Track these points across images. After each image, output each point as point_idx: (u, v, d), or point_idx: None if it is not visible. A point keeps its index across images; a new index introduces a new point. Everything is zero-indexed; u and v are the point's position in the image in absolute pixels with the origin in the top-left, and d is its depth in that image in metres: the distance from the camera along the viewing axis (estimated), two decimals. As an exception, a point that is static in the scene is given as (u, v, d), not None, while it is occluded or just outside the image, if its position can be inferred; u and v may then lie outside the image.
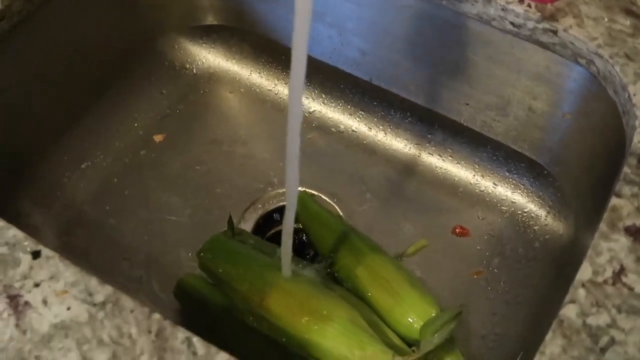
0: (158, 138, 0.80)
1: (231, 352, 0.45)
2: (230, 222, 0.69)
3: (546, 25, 0.61)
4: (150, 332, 0.45)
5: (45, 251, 0.48)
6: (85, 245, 0.72)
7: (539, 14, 0.61)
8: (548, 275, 0.69)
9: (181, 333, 0.45)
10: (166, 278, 0.70)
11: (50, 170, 0.74)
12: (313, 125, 0.82)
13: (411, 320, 0.62)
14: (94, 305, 0.46)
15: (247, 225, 0.74)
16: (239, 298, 0.62)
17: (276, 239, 0.74)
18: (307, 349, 0.58)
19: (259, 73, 0.85)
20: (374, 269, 0.66)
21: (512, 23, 0.63)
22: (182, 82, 0.84)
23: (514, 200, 0.75)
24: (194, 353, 0.45)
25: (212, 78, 0.85)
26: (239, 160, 0.79)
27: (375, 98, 0.80)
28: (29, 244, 0.49)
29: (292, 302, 0.59)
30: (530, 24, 0.62)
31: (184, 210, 0.75)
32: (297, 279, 0.61)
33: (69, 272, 0.47)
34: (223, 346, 0.63)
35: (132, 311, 0.46)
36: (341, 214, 0.75)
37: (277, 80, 0.84)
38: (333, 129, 0.81)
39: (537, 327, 0.65)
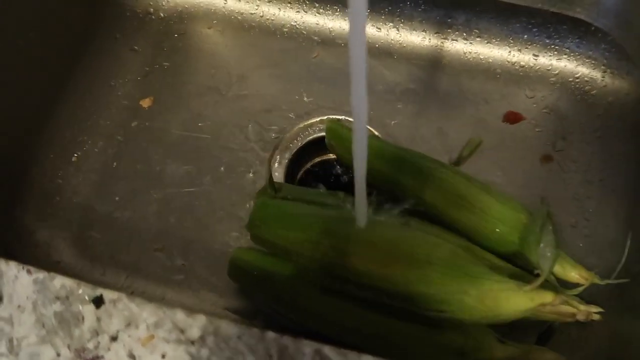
0: (146, 103, 0.69)
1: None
2: (270, 178, 0.60)
3: None
4: (271, 355, 0.37)
5: (108, 294, 0.39)
6: (106, 247, 0.63)
7: None
8: (627, 140, 0.62)
9: (308, 347, 0.37)
10: (211, 259, 0.62)
11: (41, 173, 0.63)
12: (315, 40, 0.71)
13: (503, 232, 0.55)
14: (192, 343, 0.37)
15: (280, 173, 0.65)
16: (311, 264, 0.54)
17: (317, 177, 0.67)
18: (411, 302, 0.51)
19: (235, -4, 0.73)
20: (444, 188, 0.58)
21: None
22: (151, 30, 0.72)
23: (561, 68, 0.67)
24: (332, 366, 0.37)
25: (183, 17, 0.73)
26: (243, 104, 0.69)
27: (376, -8, 0.69)
28: (85, 290, 0.39)
29: (379, 254, 0.51)
30: None
31: (201, 177, 0.65)
32: (375, 226, 0.53)
33: (146, 312, 0.38)
34: (304, 320, 0.57)
35: (239, 337, 0.38)
36: (377, 133, 0.66)
37: (259, 0, 0.72)
38: (338, 41, 0.71)
39: (636, 202, 0.59)
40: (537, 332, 0.57)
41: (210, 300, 0.61)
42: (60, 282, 0.39)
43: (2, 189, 0.60)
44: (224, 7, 0.72)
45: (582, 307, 0.54)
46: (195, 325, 0.38)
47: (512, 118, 0.66)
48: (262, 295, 0.59)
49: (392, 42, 0.70)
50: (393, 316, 0.53)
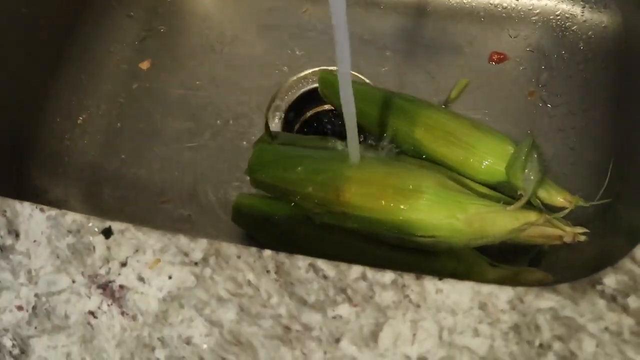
0: (145, 65, 0.71)
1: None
2: (267, 126, 0.63)
3: None
4: (268, 271, 0.40)
5: (116, 225, 0.42)
6: (116, 202, 0.66)
7: None
8: (608, 72, 0.64)
9: (301, 261, 0.41)
10: (216, 207, 0.65)
11: (49, 136, 0.66)
12: (302, -4, 0.74)
13: (491, 164, 0.58)
14: (196, 264, 0.41)
15: (277, 125, 0.68)
16: (309, 202, 0.57)
17: (312, 128, 0.69)
18: (405, 230, 0.54)
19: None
20: (432, 126, 0.60)
21: None
22: (145, -4, 0.74)
23: (542, 7, 0.69)
24: (325, 277, 0.40)
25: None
26: (239, 60, 0.72)
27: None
28: (94, 223, 0.42)
29: (372, 188, 0.54)
30: None
31: (203, 132, 0.68)
32: (367, 162, 0.56)
33: (152, 239, 0.42)
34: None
35: (239, 257, 0.41)
36: (367, 81, 0.69)
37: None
38: (326, -6, 0.73)
39: (617, 129, 0.62)
40: (527, 257, 0.59)
41: (216, 246, 0.64)
42: (71, 217, 0.42)
43: (14, 153, 0.64)
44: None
45: (568, 228, 0.56)
46: (198, 248, 0.41)
47: (497, 58, 0.68)
48: (264, 236, 0.62)
49: (378, -8, 0.73)
50: (387, 246, 0.56)
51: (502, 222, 0.53)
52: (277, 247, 0.61)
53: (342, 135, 0.66)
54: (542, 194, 0.57)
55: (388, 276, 0.40)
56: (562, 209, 0.57)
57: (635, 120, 0.57)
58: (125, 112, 0.70)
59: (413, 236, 0.54)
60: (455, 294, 0.39)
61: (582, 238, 0.57)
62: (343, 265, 0.40)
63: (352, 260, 0.57)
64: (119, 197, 0.66)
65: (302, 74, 0.70)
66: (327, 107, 0.71)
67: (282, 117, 0.69)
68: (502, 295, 0.39)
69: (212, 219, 0.64)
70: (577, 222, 0.57)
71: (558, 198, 0.57)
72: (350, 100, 0.48)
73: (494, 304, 0.39)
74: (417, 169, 0.56)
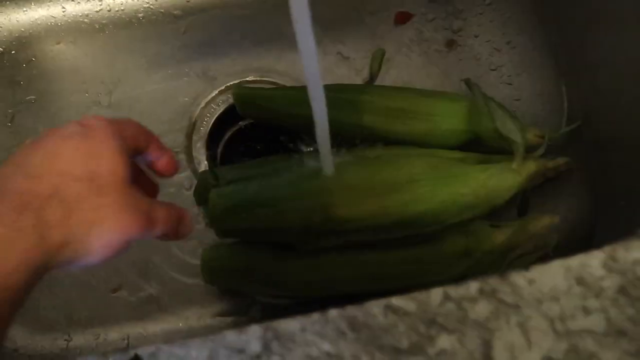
0: (28, 146, 0.61)
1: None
2: (210, 167, 0.55)
3: None
4: (344, 332, 0.34)
5: (141, 350, 0.34)
6: (58, 312, 0.56)
7: None
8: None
9: (374, 307, 0.35)
10: (179, 274, 0.57)
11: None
12: (176, 14, 0.66)
13: (456, 125, 0.55)
14: (258, 357, 0.34)
15: (203, 161, 0.61)
16: (291, 233, 0.51)
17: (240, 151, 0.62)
18: (414, 226, 0.49)
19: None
20: (381, 109, 0.56)
21: None
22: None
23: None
24: (406, 313, 0.35)
25: (23, 43, 0.64)
26: (133, 105, 0.63)
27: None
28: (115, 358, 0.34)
29: (362, 194, 0.49)
30: None
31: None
32: (342, 169, 0.50)
33: (194, 350, 0.34)
34: (300, 291, 0.54)
35: (303, 330, 0.34)
36: (282, 82, 0.63)
37: (100, -6, 0.65)
38: (202, 7, 0.66)
39: (551, 50, 0.60)
40: (515, 207, 0.57)
41: (195, 315, 0.56)
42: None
43: None
44: (64, 15, 0.65)
45: (551, 163, 0.55)
46: (251, 337, 0.34)
47: (402, 18, 0.64)
48: (246, 286, 0.55)
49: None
50: (389, 247, 0.52)
51: (506, 182, 0.50)
52: (265, 292, 0.55)
53: (283, 148, 0.60)
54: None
55: (472, 286, 0.35)
56: (535, 146, 0.55)
57: (574, 30, 0.56)
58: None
59: (422, 229, 0.49)
60: (548, 278, 0.35)
61: (564, 167, 0.56)
62: (419, 294, 0.35)
63: (357, 276, 0.52)
64: (60, 305, 0.56)
65: (209, 97, 0.63)
66: (242, 124, 0.64)
67: (205, 150, 0.61)
68: (593, 261, 0.36)
69: (179, 289, 0.56)
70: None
71: (529, 136, 0.55)
72: (323, 111, 0.43)
73: (590, 273, 0.35)
74: (395, 158, 0.52)
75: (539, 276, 0.35)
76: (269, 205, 0.50)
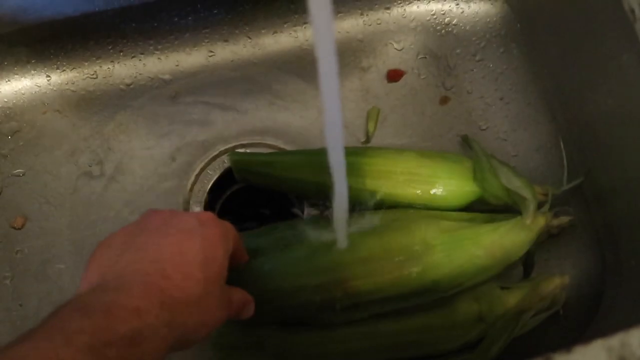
0: (18, 223, 0.58)
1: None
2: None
3: None
4: None
5: None
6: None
7: None
8: (505, 53, 0.63)
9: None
10: None
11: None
12: (165, 79, 0.64)
13: (460, 186, 0.55)
14: None
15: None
16: (306, 311, 0.50)
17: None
18: (434, 292, 0.49)
19: (58, 67, 0.63)
20: (384, 172, 0.55)
21: None
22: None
23: (415, 12, 0.66)
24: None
25: (7, 114, 0.62)
26: (126, 177, 0.61)
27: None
28: None
29: (379, 264, 0.49)
30: None
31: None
32: (353, 240, 0.50)
33: None
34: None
35: None
36: (284, 146, 0.62)
37: (86, 62, 0.63)
38: (189, 71, 0.65)
39: (547, 105, 0.61)
40: (519, 264, 0.57)
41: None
42: None
43: None
44: (49, 84, 0.63)
45: (556, 221, 0.55)
46: None
47: (395, 75, 0.64)
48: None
49: (244, 49, 0.65)
50: (402, 317, 0.51)
51: (519, 239, 0.50)
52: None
53: (283, 214, 0.59)
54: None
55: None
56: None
57: (569, 84, 0.57)
58: (20, 288, 0.56)
59: (439, 295, 0.49)
60: (590, 359, 0.35)
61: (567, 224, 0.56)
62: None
63: (372, 347, 0.51)
64: None
65: (204, 161, 0.62)
66: (234, 188, 0.63)
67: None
68: (632, 339, 0.36)
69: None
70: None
71: (533, 193, 0.55)
72: (343, 180, 0.42)
73: (632, 352, 0.35)
74: (405, 223, 0.51)
75: (581, 358, 0.35)
76: (278, 286, 0.49)
